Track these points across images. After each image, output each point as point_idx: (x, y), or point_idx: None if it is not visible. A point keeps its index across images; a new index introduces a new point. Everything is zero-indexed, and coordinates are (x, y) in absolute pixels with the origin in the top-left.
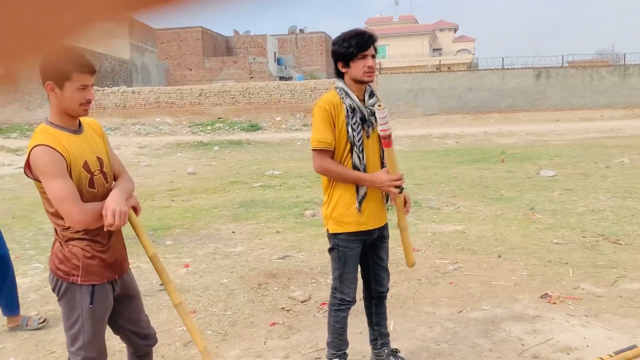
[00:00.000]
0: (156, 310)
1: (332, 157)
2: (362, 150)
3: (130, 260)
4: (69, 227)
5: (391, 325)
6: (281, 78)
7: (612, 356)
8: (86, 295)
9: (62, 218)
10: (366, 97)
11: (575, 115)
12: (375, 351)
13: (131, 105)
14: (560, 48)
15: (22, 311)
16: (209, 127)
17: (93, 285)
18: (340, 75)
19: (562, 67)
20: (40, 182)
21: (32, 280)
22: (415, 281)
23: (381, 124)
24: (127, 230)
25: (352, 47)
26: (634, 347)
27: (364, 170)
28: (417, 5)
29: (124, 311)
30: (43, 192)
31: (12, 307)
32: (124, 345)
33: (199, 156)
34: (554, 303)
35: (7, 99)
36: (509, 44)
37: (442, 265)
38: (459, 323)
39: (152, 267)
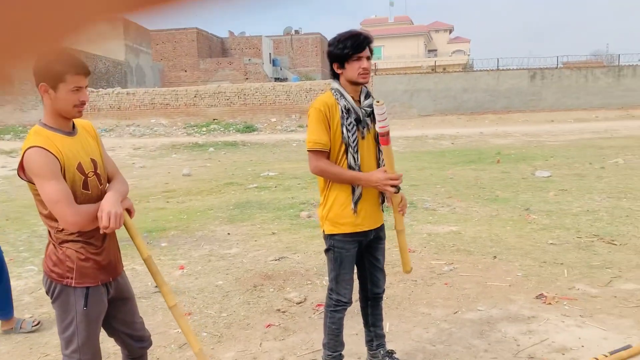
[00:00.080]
0: (151, 312)
1: (328, 158)
2: (357, 151)
3: (124, 262)
4: (62, 230)
5: (387, 326)
6: (276, 79)
7: (607, 356)
8: (80, 298)
9: (55, 220)
10: (362, 98)
11: (570, 116)
12: (371, 352)
13: (126, 107)
14: (555, 49)
15: (16, 314)
16: (204, 129)
17: (87, 288)
18: (336, 76)
19: (556, 68)
20: (33, 184)
21: (26, 282)
22: (411, 282)
23: (379, 120)
24: (121, 233)
25: (347, 49)
26: (628, 347)
27: (359, 171)
28: (412, 6)
29: (118, 313)
30: (37, 194)
31: (6, 310)
32: (119, 347)
33: (194, 157)
34: (549, 303)
35: (1, 101)
36: (504, 45)
37: (438, 266)
38: (455, 324)
39: (147, 269)
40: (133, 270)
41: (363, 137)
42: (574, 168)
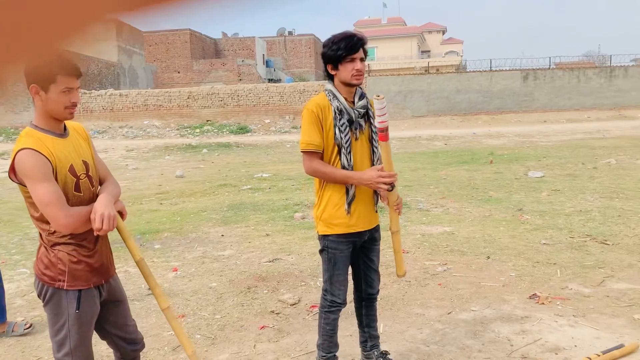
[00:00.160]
0: (144, 315)
1: (322, 159)
2: (350, 152)
3: (117, 265)
4: (54, 232)
5: (381, 327)
6: (270, 80)
7: (599, 355)
8: (72, 301)
9: (47, 222)
10: (356, 100)
11: (562, 117)
12: (365, 353)
13: (119, 108)
14: (548, 50)
15: (8, 317)
16: (198, 130)
17: (79, 291)
18: (330, 77)
19: (549, 68)
20: (25, 186)
21: (19, 285)
22: (405, 283)
23: (379, 115)
24: (113, 235)
25: (341, 50)
26: (621, 346)
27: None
28: (405, 8)
29: (110, 316)
30: (28, 197)
31: None
32: (111, 350)
33: (187, 159)
34: (543, 303)
35: None
36: (497, 46)
37: (432, 266)
38: (448, 324)
39: (140, 271)
40: (126, 272)
41: (356, 138)
42: (567, 168)
